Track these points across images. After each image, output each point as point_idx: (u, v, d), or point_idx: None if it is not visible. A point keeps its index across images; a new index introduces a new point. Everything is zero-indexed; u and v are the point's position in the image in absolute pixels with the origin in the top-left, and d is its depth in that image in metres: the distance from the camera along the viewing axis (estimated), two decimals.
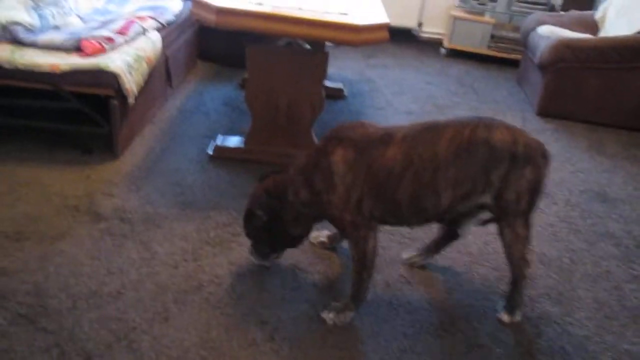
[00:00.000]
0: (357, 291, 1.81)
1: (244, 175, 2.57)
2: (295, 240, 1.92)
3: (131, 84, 2.52)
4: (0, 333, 1.62)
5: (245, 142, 2.71)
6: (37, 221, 2.11)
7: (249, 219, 1.89)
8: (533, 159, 1.69)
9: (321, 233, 2.14)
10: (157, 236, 2.11)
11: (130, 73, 2.51)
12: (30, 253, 1.95)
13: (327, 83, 3.46)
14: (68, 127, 2.63)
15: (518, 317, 1.88)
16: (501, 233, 1.79)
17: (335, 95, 3.55)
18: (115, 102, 2.48)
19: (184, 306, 1.81)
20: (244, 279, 1.96)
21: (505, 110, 3.78)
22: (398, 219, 1.79)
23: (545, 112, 3.74)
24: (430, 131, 1.70)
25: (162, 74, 3.10)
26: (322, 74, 2.59)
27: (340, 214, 1.74)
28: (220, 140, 2.76)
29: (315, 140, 2.71)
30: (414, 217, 1.77)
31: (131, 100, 2.54)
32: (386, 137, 1.70)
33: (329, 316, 1.81)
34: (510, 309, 1.88)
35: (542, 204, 2.64)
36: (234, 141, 2.76)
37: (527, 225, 1.78)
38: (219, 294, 1.87)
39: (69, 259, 1.95)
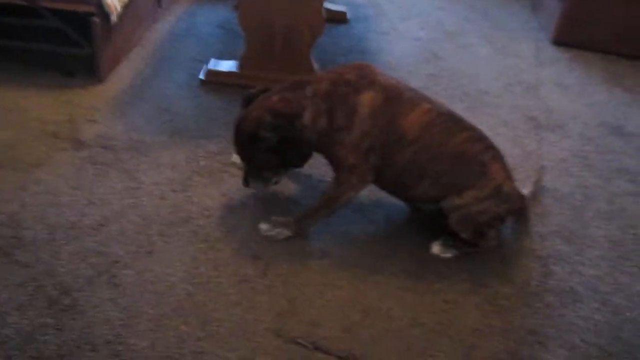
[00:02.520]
0: (305, 218, 1.76)
1: (237, 102, 2.38)
2: (303, 159, 1.74)
3: (114, 0, 2.30)
4: None
5: (240, 67, 2.51)
6: (14, 148, 1.97)
7: (253, 142, 1.66)
8: (513, 201, 1.75)
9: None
10: (143, 165, 1.97)
11: None
12: (5, 181, 1.82)
13: (329, 5, 3.22)
14: (47, 48, 2.43)
15: (449, 255, 1.77)
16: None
17: (337, 18, 3.31)
18: (96, 20, 2.27)
19: (170, 239, 1.69)
20: (235, 212, 1.83)
21: (519, 38, 3.54)
22: (378, 181, 1.76)
23: (562, 40, 3.49)
24: (453, 122, 1.71)
25: None
26: None
27: (345, 154, 1.66)
28: (212, 64, 2.57)
29: (315, 65, 2.51)
30: (391, 186, 1.78)
31: (114, 18, 2.33)
32: (414, 101, 1.68)
33: (263, 227, 1.75)
34: (446, 246, 1.77)
35: (556, 137, 2.48)
36: (227, 65, 2.56)
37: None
38: (209, 227, 1.75)
39: (47, 188, 1.82)
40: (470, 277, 1.69)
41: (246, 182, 1.78)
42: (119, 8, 2.34)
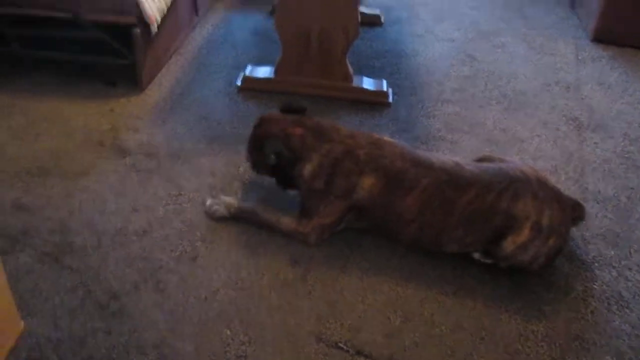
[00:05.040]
0: (248, 213, 1.79)
1: (274, 107, 2.41)
2: (287, 188, 1.86)
3: (153, 10, 2.36)
4: (26, 271, 1.58)
5: (276, 72, 2.54)
6: (60, 157, 2.04)
7: (258, 148, 1.79)
8: (557, 230, 1.63)
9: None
10: (184, 172, 2.01)
11: None
12: (54, 189, 1.88)
13: (363, 9, 3.22)
14: (90, 59, 2.51)
15: (490, 260, 1.71)
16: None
17: (372, 22, 3.31)
18: (137, 30, 2.33)
19: (213, 245, 1.72)
20: None
21: (557, 36, 3.47)
22: (391, 238, 1.78)
23: (602, 37, 3.40)
24: (453, 188, 1.64)
25: (187, 1, 2.92)
26: None
27: (326, 214, 1.71)
28: (249, 71, 2.60)
29: (351, 70, 2.52)
30: (410, 244, 1.76)
31: (154, 28, 2.38)
32: (412, 182, 1.65)
33: (208, 202, 1.82)
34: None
35: (598, 137, 2.42)
36: (263, 71, 2.60)
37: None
38: (249, 232, 1.78)
39: (94, 195, 1.87)
40: (512, 282, 1.67)
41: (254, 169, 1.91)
42: (158, 18, 2.40)
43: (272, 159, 1.74)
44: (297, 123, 1.76)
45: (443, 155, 1.94)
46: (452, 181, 1.65)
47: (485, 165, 1.76)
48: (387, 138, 1.79)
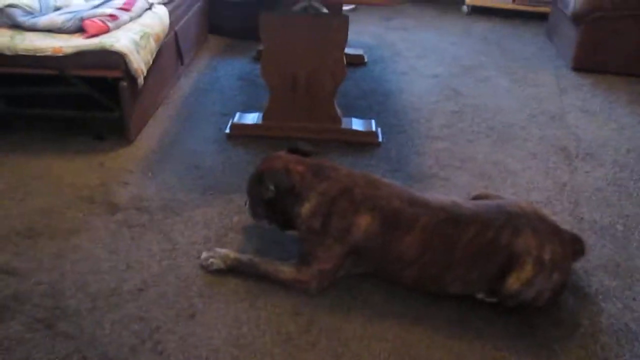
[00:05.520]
0: (244, 265, 1.75)
1: (264, 152, 2.39)
2: (284, 228, 1.83)
3: (139, 63, 2.36)
4: (17, 340, 1.51)
5: (264, 118, 2.54)
6: (50, 215, 1.99)
7: (257, 182, 1.77)
8: (560, 264, 1.62)
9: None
10: (178, 225, 1.98)
11: (137, 52, 2.35)
12: (44, 250, 1.83)
13: (347, 50, 3.26)
14: (77, 114, 2.50)
15: (494, 299, 1.68)
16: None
17: (356, 62, 3.35)
18: (124, 83, 2.33)
19: (211, 300, 1.67)
20: None
21: (537, 67, 3.54)
22: (393, 280, 1.75)
23: (581, 66, 3.48)
24: (452, 226, 1.62)
25: (171, 51, 2.94)
26: (343, 39, 2.39)
27: (324, 259, 1.68)
28: (237, 118, 2.60)
29: (339, 112, 2.53)
30: (412, 287, 1.73)
31: (140, 80, 2.38)
32: (410, 222, 1.63)
33: (203, 255, 1.79)
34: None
35: (588, 165, 2.44)
36: (251, 118, 2.60)
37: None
38: (247, 285, 1.73)
39: (86, 254, 1.83)
40: (519, 320, 1.64)
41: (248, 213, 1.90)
42: (144, 70, 2.40)
43: (271, 191, 1.71)
44: (299, 161, 1.76)
45: (440, 195, 1.93)
46: (451, 219, 1.63)
47: (482, 202, 1.75)
48: (384, 179, 1.78)
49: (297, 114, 2.51)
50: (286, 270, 1.72)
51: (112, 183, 2.19)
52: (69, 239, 1.89)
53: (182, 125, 2.64)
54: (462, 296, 1.69)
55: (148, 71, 2.45)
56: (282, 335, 1.57)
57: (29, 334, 1.53)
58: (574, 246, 1.73)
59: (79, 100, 2.42)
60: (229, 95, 2.97)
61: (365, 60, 3.43)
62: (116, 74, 2.30)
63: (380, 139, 2.54)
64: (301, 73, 2.44)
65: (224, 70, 3.27)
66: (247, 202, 1.88)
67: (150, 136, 2.53)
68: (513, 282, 1.59)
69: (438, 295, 1.70)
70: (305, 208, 1.70)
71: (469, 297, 1.69)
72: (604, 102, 3.08)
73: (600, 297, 1.74)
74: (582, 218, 2.10)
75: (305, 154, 1.85)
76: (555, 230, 1.66)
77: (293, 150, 1.87)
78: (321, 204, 1.69)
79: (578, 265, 1.84)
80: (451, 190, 2.22)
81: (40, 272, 1.75)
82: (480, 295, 1.68)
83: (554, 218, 1.79)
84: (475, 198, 1.87)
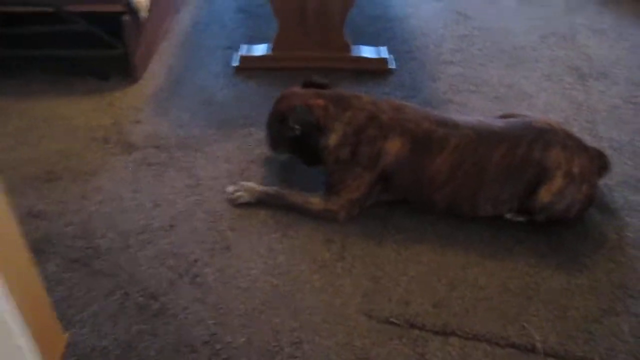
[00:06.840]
0: (273, 197, 1.75)
1: (276, 84, 2.35)
2: (311, 164, 1.81)
3: None
4: (56, 281, 1.51)
5: (273, 49, 2.47)
6: (68, 158, 1.95)
7: (280, 122, 1.74)
8: (589, 178, 1.64)
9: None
10: (198, 160, 1.95)
11: None
12: (67, 193, 1.81)
13: None
14: (78, 53, 2.39)
15: (521, 218, 1.71)
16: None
17: None
18: (127, 18, 2.23)
19: (243, 232, 1.68)
20: None
21: None
22: (425, 205, 1.74)
23: None
24: (484, 144, 1.62)
25: None
26: None
27: (355, 187, 1.67)
28: (244, 50, 2.52)
29: (349, 40, 2.45)
30: (445, 210, 1.72)
31: (143, 14, 2.28)
32: (441, 142, 1.63)
33: (229, 189, 1.78)
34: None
35: (603, 85, 2.42)
36: (260, 49, 2.52)
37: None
38: (276, 216, 1.73)
39: (110, 195, 1.81)
40: (547, 237, 1.67)
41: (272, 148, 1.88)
42: (148, 3, 2.29)
43: (297, 129, 1.68)
44: (317, 95, 1.72)
45: (466, 115, 1.91)
46: (482, 138, 1.63)
47: (511, 120, 1.74)
48: (408, 103, 1.76)
49: (307, 43, 2.43)
50: (315, 201, 1.72)
51: (125, 122, 2.14)
52: (90, 180, 1.86)
53: (187, 60, 2.56)
54: (490, 218, 1.71)
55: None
56: (317, 263, 1.59)
57: (67, 274, 1.53)
58: (600, 161, 1.74)
59: (82, 39, 2.32)
60: (230, 27, 2.86)
61: None
62: (118, 8, 2.20)
63: (392, 66, 2.49)
64: (310, 1, 2.34)
65: (222, 3, 3.14)
66: (267, 141, 1.86)
67: (156, 73, 2.45)
68: (545, 195, 1.60)
69: (468, 218, 1.71)
70: (332, 139, 1.68)
71: (496, 219, 1.71)
72: (613, 21, 3.02)
73: (625, 212, 1.77)
74: (601, 136, 2.10)
75: (321, 86, 1.81)
76: (581, 146, 1.66)
77: (308, 84, 1.82)
78: (348, 133, 1.66)
79: (601, 182, 1.85)
80: (470, 115, 2.19)
81: (67, 214, 1.73)
82: (509, 215, 1.70)
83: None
84: (503, 117, 1.86)
